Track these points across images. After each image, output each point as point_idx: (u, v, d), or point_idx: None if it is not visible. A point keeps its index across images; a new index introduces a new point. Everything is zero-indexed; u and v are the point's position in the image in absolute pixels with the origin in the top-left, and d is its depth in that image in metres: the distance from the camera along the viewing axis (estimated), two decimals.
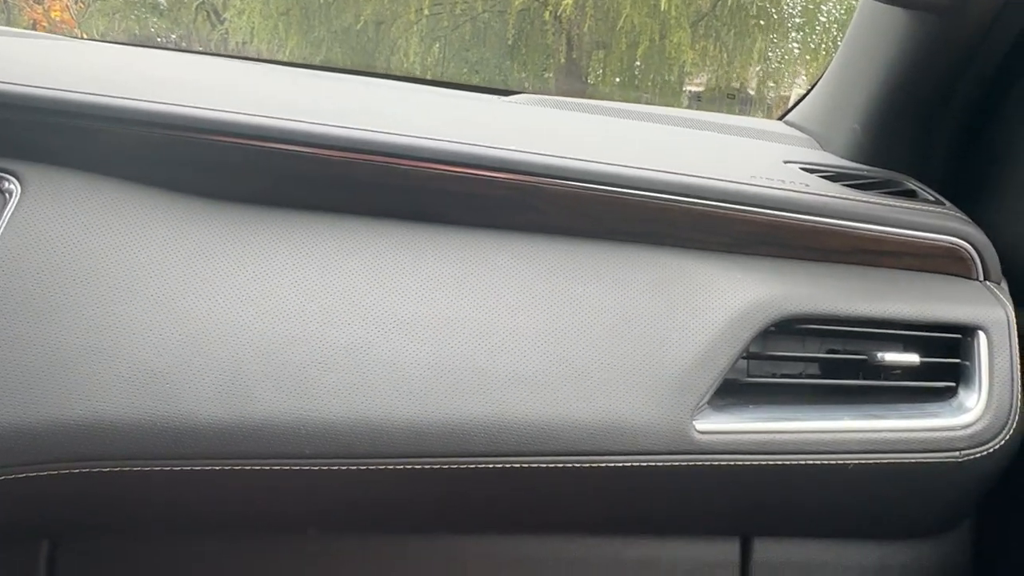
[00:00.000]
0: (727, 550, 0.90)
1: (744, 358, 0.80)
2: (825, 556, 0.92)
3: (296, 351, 0.71)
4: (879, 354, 0.82)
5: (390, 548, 0.86)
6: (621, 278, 0.80)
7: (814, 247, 0.86)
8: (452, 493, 0.77)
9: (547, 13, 8.04)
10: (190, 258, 0.74)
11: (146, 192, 0.77)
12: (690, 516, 0.86)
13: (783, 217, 0.84)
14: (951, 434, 0.80)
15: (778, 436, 0.78)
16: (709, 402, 0.77)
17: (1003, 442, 0.81)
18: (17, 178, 0.74)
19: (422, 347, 0.73)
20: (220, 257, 0.74)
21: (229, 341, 0.71)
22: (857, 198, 0.88)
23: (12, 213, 0.72)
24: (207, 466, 0.69)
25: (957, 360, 0.84)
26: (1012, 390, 0.82)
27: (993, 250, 0.89)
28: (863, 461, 0.79)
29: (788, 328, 0.81)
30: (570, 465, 0.74)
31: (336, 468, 0.71)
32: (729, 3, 8.25)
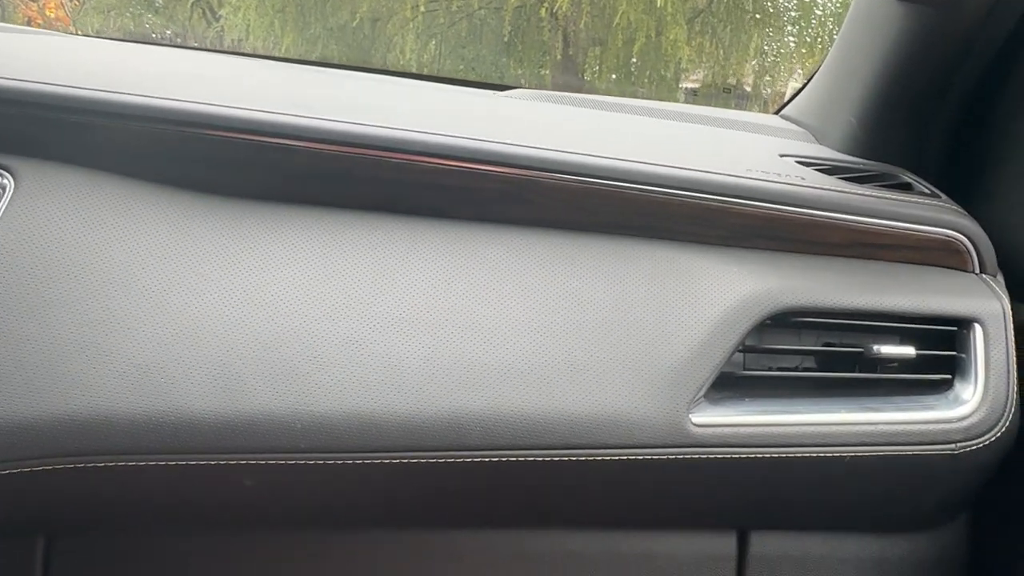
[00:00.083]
0: (724, 544, 0.90)
1: (740, 351, 0.80)
2: (822, 549, 0.92)
3: (291, 346, 0.71)
4: (875, 347, 0.82)
5: (385, 542, 0.86)
6: (616, 272, 0.80)
7: (810, 240, 0.86)
8: (447, 487, 0.77)
9: (543, 10, 8.03)
10: (184, 253, 0.74)
11: (140, 187, 0.77)
12: (686, 510, 0.86)
13: (779, 210, 0.84)
14: (947, 426, 0.80)
15: (774, 429, 0.78)
16: (705, 395, 0.77)
17: (999, 434, 0.81)
18: (11, 173, 0.74)
19: (417, 341, 0.73)
20: (214, 252, 0.74)
21: (223, 336, 0.70)
22: (853, 191, 0.88)
23: (6, 208, 0.72)
24: (202, 461, 0.69)
25: (953, 352, 0.84)
26: (1008, 382, 0.82)
27: (989, 243, 0.89)
28: (859, 454, 0.79)
29: (784, 321, 0.81)
30: (566, 459, 0.74)
31: (331, 463, 0.71)
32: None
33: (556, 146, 0.81)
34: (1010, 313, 0.84)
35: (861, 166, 0.99)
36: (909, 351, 0.82)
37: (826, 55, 1.15)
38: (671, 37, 7.91)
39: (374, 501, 0.79)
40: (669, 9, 7.84)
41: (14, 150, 0.75)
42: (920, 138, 1.01)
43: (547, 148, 0.81)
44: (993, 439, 0.81)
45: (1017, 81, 0.93)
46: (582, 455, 0.74)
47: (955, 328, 0.84)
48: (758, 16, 8.47)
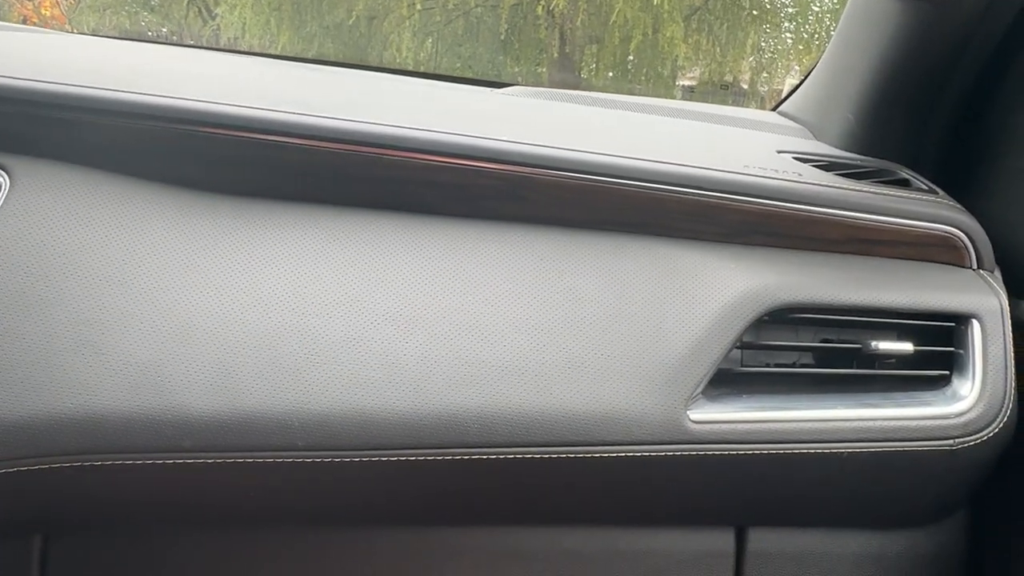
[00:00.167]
0: (722, 540, 0.90)
1: (738, 348, 0.80)
2: (820, 546, 0.92)
3: (287, 343, 0.71)
4: (873, 343, 0.82)
5: (384, 540, 0.86)
6: (613, 268, 0.79)
7: (808, 236, 0.86)
8: (446, 484, 0.76)
9: (540, 8, 8.03)
10: (181, 251, 0.73)
11: (136, 185, 0.77)
12: (684, 506, 0.86)
13: (776, 206, 0.84)
14: (945, 422, 0.80)
15: (772, 425, 0.78)
16: (703, 392, 0.77)
17: (997, 430, 0.81)
18: (6, 171, 0.74)
19: (414, 338, 0.73)
20: (211, 250, 0.74)
21: (220, 334, 0.70)
22: (850, 187, 0.88)
23: (2, 207, 0.71)
24: (199, 459, 0.69)
25: (951, 348, 0.84)
26: (1006, 378, 0.82)
27: (986, 238, 0.89)
28: (857, 450, 0.79)
29: (782, 317, 0.81)
30: (564, 456, 0.74)
31: (329, 460, 0.71)
32: None
33: (551, 143, 0.81)
34: (1008, 309, 0.84)
35: (859, 162, 0.99)
36: (907, 347, 0.82)
37: (823, 51, 1.15)
38: (668, 34, 7.92)
39: (372, 499, 0.79)
40: (665, 6, 7.85)
41: (10, 148, 0.75)
42: (918, 134, 1.01)
43: (542, 145, 0.80)
44: (991, 435, 0.81)
45: (1015, 77, 0.93)
46: (580, 452, 0.74)
47: (953, 324, 0.84)
48: (755, 13, 8.48)
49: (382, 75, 1.27)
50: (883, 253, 0.88)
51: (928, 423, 0.80)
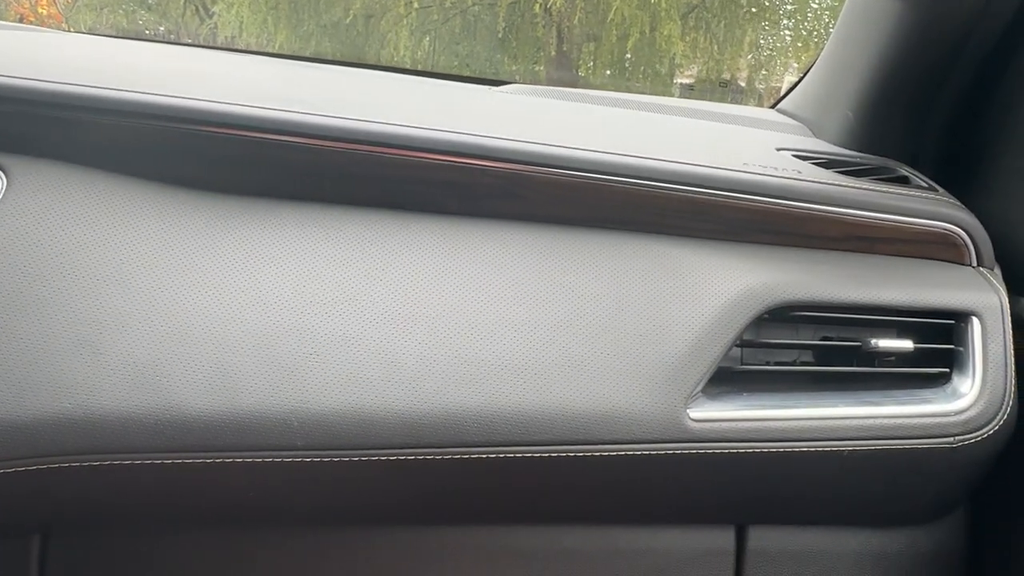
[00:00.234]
0: (722, 538, 0.90)
1: (738, 346, 0.80)
2: (820, 544, 0.92)
3: (286, 342, 0.70)
4: (873, 340, 0.82)
5: (383, 539, 0.86)
6: (612, 267, 0.79)
7: (807, 234, 0.86)
8: (445, 484, 0.76)
9: (537, 6, 8.02)
10: (179, 250, 0.73)
11: (134, 184, 0.77)
12: (685, 505, 0.86)
13: (776, 204, 0.84)
14: (945, 420, 0.80)
15: (772, 423, 0.78)
16: (703, 390, 0.77)
17: (997, 428, 0.81)
18: (4, 171, 0.73)
19: (412, 337, 0.72)
20: (209, 249, 0.74)
21: (218, 333, 0.70)
22: (850, 185, 0.88)
23: None
24: (198, 459, 0.69)
25: (951, 346, 0.84)
26: (1006, 376, 0.82)
27: (986, 236, 0.89)
28: (857, 448, 0.79)
29: (782, 315, 0.81)
30: (563, 455, 0.74)
31: (328, 460, 0.70)
32: None
33: (549, 140, 0.81)
34: (1008, 306, 0.84)
35: (858, 160, 0.99)
36: (907, 345, 0.82)
37: (822, 49, 1.15)
38: (665, 32, 7.91)
39: (371, 498, 0.78)
40: (663, 4, 7.84)
41: (8, 148, 0.75)
42: (917, 131, 1.01)
43: (539, 143, 0.80)
44: (991, 432, 0.81)
45: (1014, 74, 0.93)
46: (579, 451, 0.74)
47: (953, 322, 0.84)
48: (753, 10, 8.47)
49: (379, 73, 1.26)
50: (883, 250, 0.88)
51: (928, 421, 0.80)
